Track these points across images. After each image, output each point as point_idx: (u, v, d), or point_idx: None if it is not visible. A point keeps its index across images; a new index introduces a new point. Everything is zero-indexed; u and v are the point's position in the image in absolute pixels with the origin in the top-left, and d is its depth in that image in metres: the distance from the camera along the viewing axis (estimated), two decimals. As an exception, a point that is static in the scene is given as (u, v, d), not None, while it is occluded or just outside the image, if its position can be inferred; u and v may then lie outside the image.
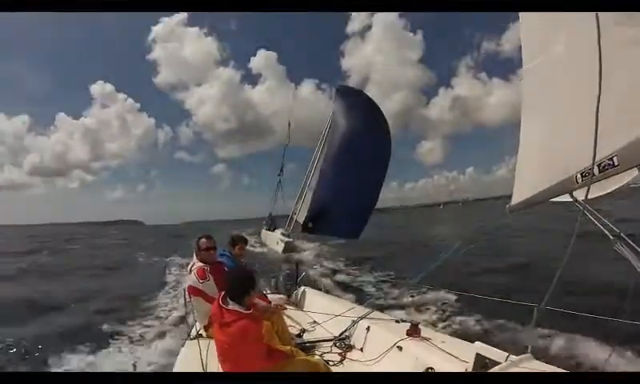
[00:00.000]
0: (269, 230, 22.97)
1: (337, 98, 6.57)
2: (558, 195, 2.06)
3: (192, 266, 3.84)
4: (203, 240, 3.91)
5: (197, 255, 3.90)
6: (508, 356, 2.19)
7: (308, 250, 16.86)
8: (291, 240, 15.92)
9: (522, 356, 2.19)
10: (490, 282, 10.08)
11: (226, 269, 4.04)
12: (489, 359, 2.27)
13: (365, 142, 6.02)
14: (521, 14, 2.38)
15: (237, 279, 2.70)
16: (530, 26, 2.38)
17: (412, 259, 14.77)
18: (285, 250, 16.02)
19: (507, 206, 2.53)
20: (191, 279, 3.70)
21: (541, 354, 2.33)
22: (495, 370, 2.09)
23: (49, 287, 12.62)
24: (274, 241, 18.09)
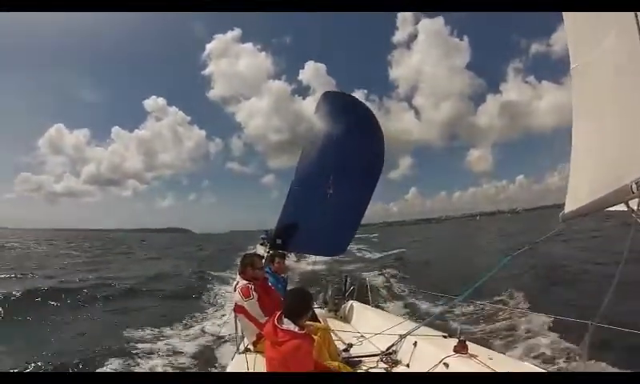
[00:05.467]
0: (262, 245, 22.46)
1: (319, 105, 5.69)
2: (613, 205, 1.96)
3: (236, 284, 3.93)
4: (258, 260, 4.06)
5: (240, 273, 3.97)
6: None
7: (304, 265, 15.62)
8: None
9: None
10: (548, 295, 9.63)
11: (271, 285, 4.18)
12: None
13: (344, 150, 5.31)
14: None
15: (296, 301, 2.79)
16: (576, 19, 2.22)
17: (459, 271, 14.35)
18: None
19: (560, 214, 2.43)
20: (236, 297, 3.81)
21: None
22: None
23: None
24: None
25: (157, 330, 8.64)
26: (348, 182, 5.22)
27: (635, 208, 1.77)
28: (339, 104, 5.74)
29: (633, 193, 1.72)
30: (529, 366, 2.31)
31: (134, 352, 7.05)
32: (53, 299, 11.58)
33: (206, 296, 13.19)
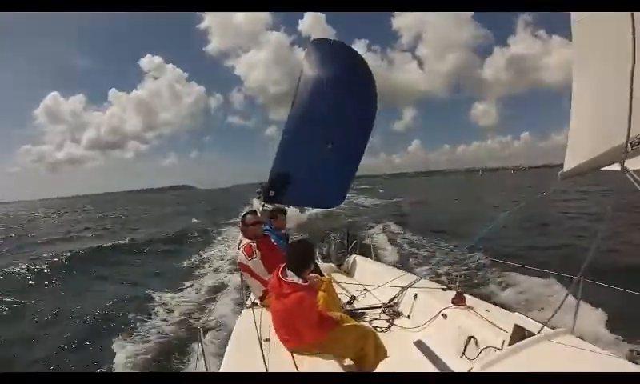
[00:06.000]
0: (258, 198, 22.47)
1: (308, 51, 5.38)
2: (609, 164, 1.98)
3: (239, 242, 3.98)
4: (249, 216, 4.03)
5: (243, 232, 4.00)
6: (542, 327, 2.21)
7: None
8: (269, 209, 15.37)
9: (558, 330, 2.19)
10: (542, 252, 9.87)
11: (274, 242, 4.23)
12: (526, 330, 2.33)
13: (335, 97, 5.03)
14: None
15: (299, 253, 2.86)
16: None
17: (462, 227, 14.57)
18: None
19: (559, 173, 2.47)
20: (240, 256, 3.88)
21: (580, 329, 2.31)
22: (531, 340, 2.11)
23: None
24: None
25: (203, 253, 13.61)
26: (342, 130, 5.04)
27: (629, 168, 1.80)
28: (327, 50, 5.45)
29: (628, 152, 1.75)
30: (522, 318, 2.45)
31: (199, 269, 11.28)
32: (121, 251, 15.08)
33: (225, 234, 17.95)
